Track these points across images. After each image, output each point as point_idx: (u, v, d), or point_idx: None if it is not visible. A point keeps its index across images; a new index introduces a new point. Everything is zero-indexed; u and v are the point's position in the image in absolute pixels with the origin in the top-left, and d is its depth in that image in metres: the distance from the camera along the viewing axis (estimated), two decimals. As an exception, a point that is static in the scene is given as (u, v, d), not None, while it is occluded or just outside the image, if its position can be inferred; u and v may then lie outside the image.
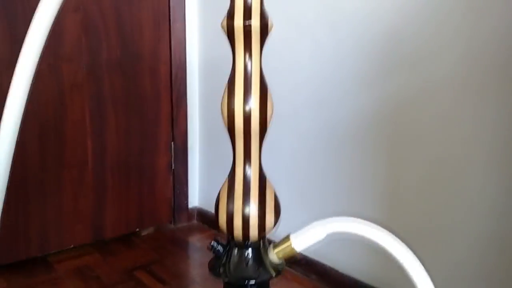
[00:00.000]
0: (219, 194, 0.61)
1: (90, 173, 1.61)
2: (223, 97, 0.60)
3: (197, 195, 1.89)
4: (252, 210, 0.58)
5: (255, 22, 0.56)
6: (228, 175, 0.61)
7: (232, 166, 0.60)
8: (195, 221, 1.85)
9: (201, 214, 1.85)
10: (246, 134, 0.59)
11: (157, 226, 1.79)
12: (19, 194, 1.48)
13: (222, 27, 0.58)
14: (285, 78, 1.46)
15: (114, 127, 1.65)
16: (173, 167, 1.81)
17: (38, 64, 0.60)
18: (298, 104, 1.45)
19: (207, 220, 1.82)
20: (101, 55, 1.59)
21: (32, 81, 0.61)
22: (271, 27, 0.59)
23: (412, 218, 1.21)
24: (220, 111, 0.61)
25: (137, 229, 1.75)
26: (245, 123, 0.58)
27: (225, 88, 0.60)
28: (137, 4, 1.64)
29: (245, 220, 0.57)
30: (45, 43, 0.61)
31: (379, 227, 0.58)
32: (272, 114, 0.60)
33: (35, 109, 1.48)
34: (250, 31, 0.56)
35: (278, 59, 1.46)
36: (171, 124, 1.79)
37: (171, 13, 1.72)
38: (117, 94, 1.65)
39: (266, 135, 0.61)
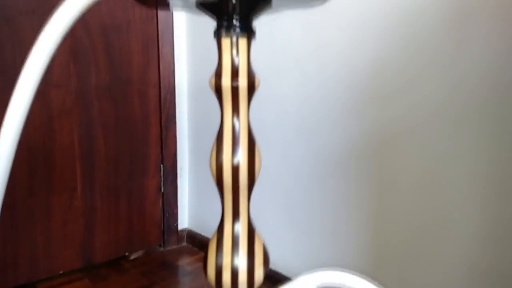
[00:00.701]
0: (208, 247, 0.62)
1: (79, 198, 1.61)
2: (211, 151, 0.61)
3: (187, 217, 1.90)
4: (241, 265, 0.59)
5: (243, 83, 0.57)
6: (217, 229, 0.61)
7: (220, 220, 0.61)
8: (184, 243, 1.86)
9: (191, 236, 1.86)
10: (234, 189, 0.60)
11: (146, 249, 1.79)
12: (6, 220, 1.47)
13: (210, 85, 0.59)
14: (273, 105, 1.48)
15: (103, 151, 1.65)
16: (162, 190, 1.81)
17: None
18: (286, 131, 1.46)
19: (197, 242, 1.83)
20: (90, 80, 1.60)
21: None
22: (258, 84, 0.60)
23: (400, 251, 1.23)
24: (209, 164, 0.62)
25: (126, 253, 1.74)
26: (234, 178, 0.60)
27: (214, 143, 0.61)
28: (126, 29, 1.65)
29: (234, 276, 0.58)
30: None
31: (368, 280, 0.59)
32: (260, 168, 0.62)
33: (23, 135, 1.48)
34: (238, 90, 0.58)
35: (267, 87, 1.47)
36: (160, 146, 1.80)
37: (159, 37, 1.74)
38: (106, 118, 1.65)
39: (254, 188, 0.62)
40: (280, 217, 1.50)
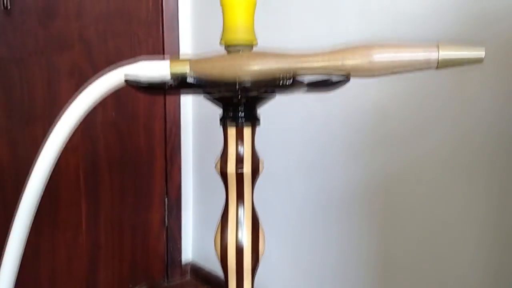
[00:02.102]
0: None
1: (84, 234, 1.62)
2: (216, 232, 0.62)
3: (191, 249, 1.90)
4: None
5: (247, 169, 0.58)
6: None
7: (224, 305, 0.62)
8: (188, 277, 1.86)
9: (195, 270, 1.86)
10: (238, 271, 0.61)
11: (150, 283, 1.80)
12: (12, 259, 1.48)
13: (216, 169, 0.60)
14: (278, 140, 1.49)
15: (108, 186, 1.67)
16: (166, 223, 1.82)
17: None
18: (290, 167, 1.47)
19: (201, 275, 1.83)
20: (96, 116, 1.61)
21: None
22: (262, 168, 0.61)
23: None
24: (214, 244, 0.62)
25: (130, 286, 1.75)
26: (238, 261, 0.60)
27: (218, 225, 0.62)
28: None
29: None
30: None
31: None
32: (264, 250, 0.62)
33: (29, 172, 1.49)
34: (243, 176, 0.59)
35: (271, 122, 1.48)
36: (165, 178, 1.81)
37: (165, 72, 1.75)
38: (112, 153, 1.66)
39: (257, 269, 0.63)
40: (284, 253, 1.51)
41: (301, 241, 1.47)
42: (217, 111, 0.61)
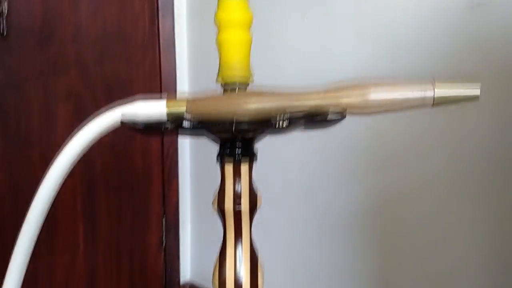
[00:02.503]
0: None
1: (81, 257, 1.61)
2: (214, 269, 0.62)
3: (189, 269, 1.89)
4: None
5: (245, 207, 0.58)
6: None
7: None
8: (187, 297, 1.85)
9: (193, 290, 1.85)
10: (237, 308, 0.60)
11: (148, 304, 1.78)
12: (9, 284, 1.47)
13: (213, 207, 0.60)
14: (276, 162, 1.49)
15: (106, 208, 1.66)
16: (164, 244, 1.81)
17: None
18: (289, 187, 1.47)
19: (199, 296, 1.82)
20: (93, 139, 1.61)
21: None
22: (260, 203, 0.61)
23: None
24: (212, 281, 0.62)
25: (129, 308, 1.73)
26: (237, 298, 0.60)
27: (216, 260, 0.62)
28: (129, 87, 1.67)
29: None
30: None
31: None
32: (263, 285, 0.62)
33: (26, 198, 1.49)
34: (240, 214, 0.58)
35: (269, 144, 1.48)
36: (162, 199, 1.80)
37: (162, 89, 1.75)
38: (109, 175, 1.66)
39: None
40: (283, 275, 1.50)
41: (300, 262, 1.46)
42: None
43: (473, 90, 0.52)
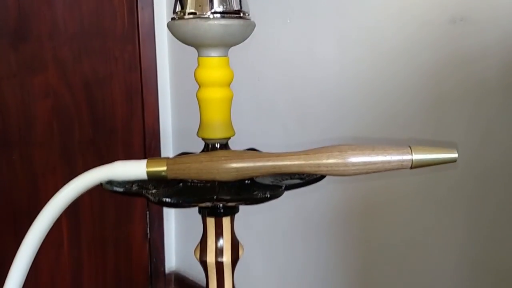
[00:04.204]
0: None
1: (66, 252, 1.62)
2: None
3: (174, 259, 1.92)
4: None
5: (227, 259, 0.59)
6: None
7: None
8: (172, 286, 1.88)
9: (178, 279, 1.88)
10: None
11: (134, 295, 1.82)
12: (-6, 283, 1.48)
13: (196, 257, 0.61)
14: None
15: (89, 203, 1.66)
16: (149, 236, 1.82)
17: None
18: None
19: (185, 285, 1.85)
20: (73, 135, 1.59)
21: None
22: (242, 253, 0.62)
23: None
24: None
25: (114, 300, 1.77)
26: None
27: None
28: (109, 82, 1.64)
29: None
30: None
31: None
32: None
33: (7, 197, 1.48)
34: (223, 266, 0.60)
35: (253, 143, 1.49)
36: (146, 191, 1.81)
37: (143, 86, 1.73)
38: (91, 170, 1.65)
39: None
40: (268, 275, 1.53)
41: (286, 262, 1.49)
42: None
43: (451, 155, 0.53)
